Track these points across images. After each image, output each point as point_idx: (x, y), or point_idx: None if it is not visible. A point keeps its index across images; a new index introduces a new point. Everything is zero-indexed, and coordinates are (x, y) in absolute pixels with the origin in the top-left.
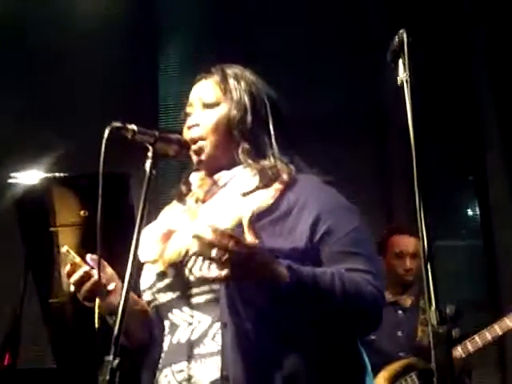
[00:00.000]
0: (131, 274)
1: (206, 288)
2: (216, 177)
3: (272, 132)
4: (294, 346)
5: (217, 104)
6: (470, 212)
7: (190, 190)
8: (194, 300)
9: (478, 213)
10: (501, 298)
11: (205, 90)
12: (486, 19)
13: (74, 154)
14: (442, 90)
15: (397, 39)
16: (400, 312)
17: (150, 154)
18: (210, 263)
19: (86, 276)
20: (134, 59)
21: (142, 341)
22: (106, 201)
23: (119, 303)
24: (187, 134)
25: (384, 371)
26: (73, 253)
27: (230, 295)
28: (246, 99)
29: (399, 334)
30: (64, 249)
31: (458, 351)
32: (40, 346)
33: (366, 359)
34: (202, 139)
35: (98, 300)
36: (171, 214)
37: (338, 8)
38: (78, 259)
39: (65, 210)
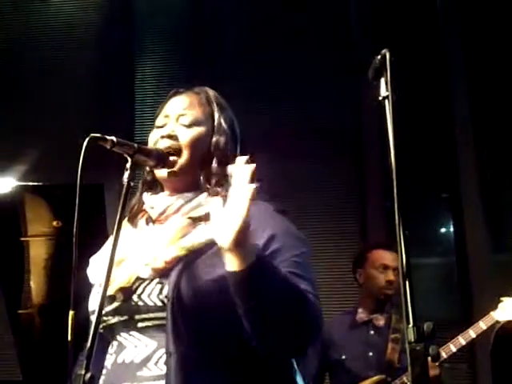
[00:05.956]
0: (106, 288)
1: (153, 314)
2: (173, 199)
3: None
4: (238, 375)
5: (197, 124)
6: (443, 229)
7: (141, 210)
8: (142, 324)
9: (452, 230)
10: (474, 315)
11: (186, 107)
12: (463, 40)
13: (48, 163)
14: (417, 107)
15: (379, 58)
16: (372, 332)
17: (128, 165)
18: (161, 289)
19: None
20: (110, 72)
21: None
22: (80, 211)
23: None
24: (161, 144)
25: None
26: None
27: (176, 323)
28: (226, 128)
29: (370, 354)
30: None
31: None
32: (7, 357)
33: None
34: (177, 153)
35: (71, 312)
36: (122, 236)
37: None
38: None
39: (37, 220)
